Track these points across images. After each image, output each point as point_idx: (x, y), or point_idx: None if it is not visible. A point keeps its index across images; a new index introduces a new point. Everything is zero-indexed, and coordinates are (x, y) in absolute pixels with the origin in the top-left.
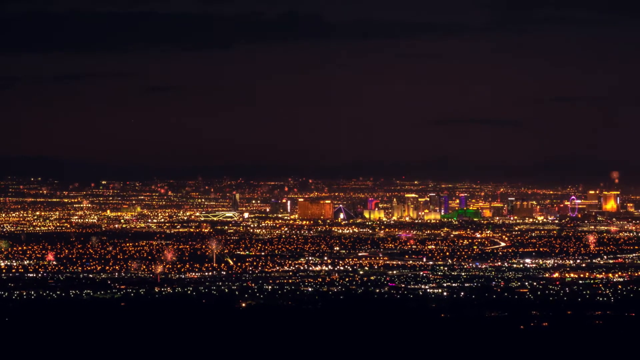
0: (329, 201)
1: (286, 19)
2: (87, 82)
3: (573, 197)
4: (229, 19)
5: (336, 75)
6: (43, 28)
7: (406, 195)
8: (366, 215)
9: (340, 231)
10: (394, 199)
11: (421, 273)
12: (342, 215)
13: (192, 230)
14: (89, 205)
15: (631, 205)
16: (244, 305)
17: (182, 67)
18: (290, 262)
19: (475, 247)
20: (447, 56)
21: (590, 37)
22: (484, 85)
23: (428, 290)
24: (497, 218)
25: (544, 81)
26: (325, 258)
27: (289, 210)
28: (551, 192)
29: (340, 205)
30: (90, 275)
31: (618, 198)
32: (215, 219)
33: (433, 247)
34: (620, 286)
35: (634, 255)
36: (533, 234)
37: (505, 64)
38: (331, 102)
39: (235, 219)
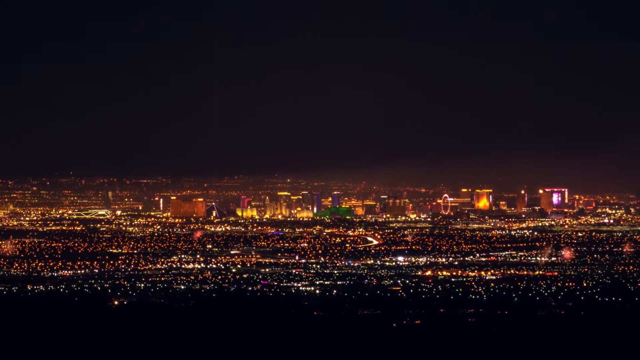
0: (201, 199)
1: None
2: None
3: (446, 195)
4: None
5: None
6: None
7: (278, 194)
8: (239, 213)
9: (212, 229)
10: (267, 197)
11: (294, 271)
12: (214, 213)
13: (64, 228)
14: None
15: (504, 203)
16: (116, 303)
17: None
18: (162, 260)
19: (347, 245)
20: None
21: None
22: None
23: (300, 288)
24: (370, 216)
25: None
26: (198, 256)
27: (161, 208)
28: (424, 190)
29: (213, 203)
30: None
31: (490, 196)
32: (87, 216)
33: (305, 245)
34: (492, 284)
35: (506, 253)
36: (406, 232)
37: None
38: (203, 98)
39: (107, 216)
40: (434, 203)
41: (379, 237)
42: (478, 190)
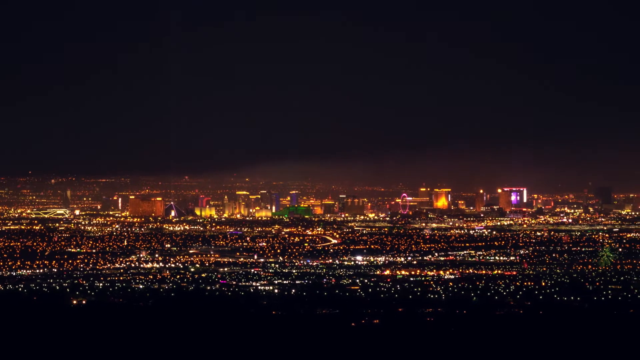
0: (160, 198)
1: None
2: None
3: (404, 194)
4: None
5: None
6: None
7: (237, 193)
8: (197, 212)
9: (171, 228)
10: (225, 197)
11: (252, 270)
12: (173, 213)
13: (23, 227)
14: None
15: (462, 202)
16: (75, 302)
17: None
18: (121, 259)
19: (306, 244)
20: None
21: None
22: None
23: (259, 287)
24: (329, 215)
25: None
26: (157, 255)
27: (120, 208)
28: (382, 190)
29: (172, 203)
30: None
31: (449, 195)
32: (46, 216)
33: (264, 244)
34: (451, 283)
35: (464, 252)
36: (364, 231)
37: None
38: (162, 98)
39: (66, 216)
40: (393, 202)
41: (337, 236)
42: (437, 190)
